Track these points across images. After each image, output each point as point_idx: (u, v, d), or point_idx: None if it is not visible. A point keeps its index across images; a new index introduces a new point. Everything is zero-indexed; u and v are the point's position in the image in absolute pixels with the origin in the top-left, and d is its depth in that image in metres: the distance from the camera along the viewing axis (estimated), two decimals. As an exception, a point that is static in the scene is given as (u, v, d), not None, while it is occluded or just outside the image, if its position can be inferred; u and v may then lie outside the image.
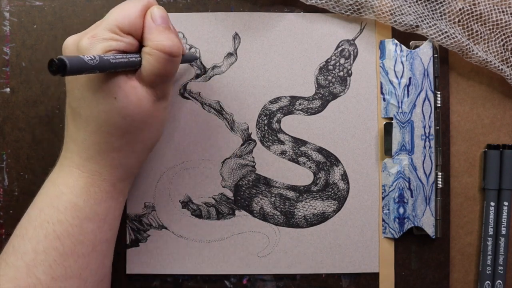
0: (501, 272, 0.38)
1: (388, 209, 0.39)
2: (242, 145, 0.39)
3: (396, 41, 0.39)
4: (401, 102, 0.38)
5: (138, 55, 0.30)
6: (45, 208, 0.31)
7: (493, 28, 0.38)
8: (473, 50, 0.37)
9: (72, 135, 0.32)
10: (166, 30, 0.31)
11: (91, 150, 0.31)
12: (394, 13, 0.38)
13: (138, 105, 0.30)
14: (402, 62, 0.39)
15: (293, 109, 0.39)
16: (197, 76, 0.39)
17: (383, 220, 0.39)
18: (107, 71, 0.28)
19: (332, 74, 0.39)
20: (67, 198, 0.31)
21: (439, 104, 0.38)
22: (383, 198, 0.39)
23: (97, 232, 0.31)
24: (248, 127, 0.39)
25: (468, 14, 0.37)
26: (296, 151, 0.39)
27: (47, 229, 0.30)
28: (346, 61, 0.39)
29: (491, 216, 0.38)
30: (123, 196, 0.34)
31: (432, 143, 0.38)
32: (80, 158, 0.31)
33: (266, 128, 0.39)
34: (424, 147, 0.38)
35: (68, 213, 0.30)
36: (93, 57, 0.27)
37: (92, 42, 0.29)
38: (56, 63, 0.25)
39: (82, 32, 0.32)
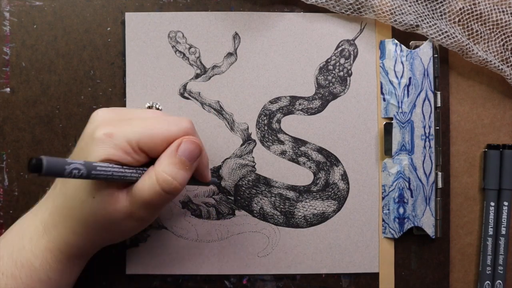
0: (501, 272, 0.38)
1: (388, 209, 0.39)
2: (242, 145, 0.39)
3: (396, 41, 0.39)
4: (401, 102, 0.38)
5: (137, 173, 0.29)
6: (5, 257, 0.30)
7: (493, 28, 0.38)
8: (473, 50, 0.37)
9: (53, 193, 0.32)
10: (179, 165, 0.29)
11: (58, 219, 0.31)
12: (394, 12, 0.37)
13: (113, 217, 0.29)
14: (402, 62, 0.39)
15: (293, 109, 0.39)
16: (197, 76, 0.39)
17: (383, 220, 0.39)
18: (96, 179, 0.27)
19: (332, 74, 0.39)
20: (26, 256, 0.30)
21: (439, 104, 0.38)
22: (383, 198, 0.39)
23: None
24: (248, 127, 0.39)
25: (468, 13, 0.37)
26: (296, 151, 0.39)
27: (0, 281, 0.30)
28: (346, 61, 0.39)
29: (491, 216, 0.38)
30: (79, 269, 0.34)
31: (432, 143, 0.38)
32: (49, 219, 0.31)
33: (266, 128, 0.39)
34: (424, 147, 0.38)
35: (23, 272, 0.30)
36: (78, 169, 0.25)
37: (104, 140, 0.28)
38: (33, 163, 0.23)
39: (113, 111, 0.31)
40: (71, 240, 0.31)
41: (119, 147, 0.28)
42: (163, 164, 0.29)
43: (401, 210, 0.38)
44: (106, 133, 0.28)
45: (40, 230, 0.31)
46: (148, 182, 0.29)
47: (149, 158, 0.30)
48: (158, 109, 0.34)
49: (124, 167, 0.28)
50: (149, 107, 0.34)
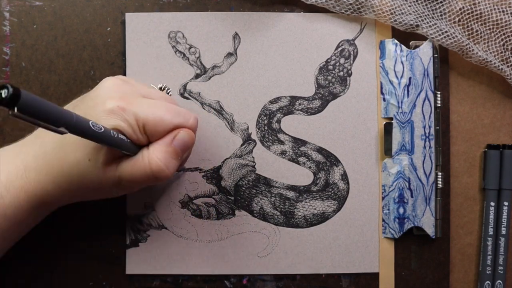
0: (501, 272, 0.38)
1: (388, 209, 0.39)
2: (242, 145, 0.39)
3: (396, 41, 0.39)
4: (401, 102, 0.38)
5: (135, 149, 0.30)
6: None
7: (493, 28, 0.38)
8: (473, 50, 0.37)
9: (43, 137, 0.31)
10: (173, 154, 0.30)
11: (43, 166, 0.31)
12: (394, 12, 0.37)
13: (100, 183, 0.30)
14: (402, 62, 0.39)
15: (293, 109, 0.39)
16: (197, 76, 0.39)
17: (383, 220, 0.39)
18: (99, 142, 0.27)
19: (332, 74, 0.39)
20: None
21: (439, 104, 0.38)
22: (383, 198, 0.39)
23: None
24: (248, 127, 0.39)
25: (468, 13, 0.37)
26: (296, 151, 0.39)
27: None
28: (346, 61, 0.39)
29: (491, 216, 0.38)
30: (43, 216, 0.34)
31: (432, 143, 0.38)
32: (32, 162, 0.31)
33: (266, 128, 0.39)
34: (424, 147, 0.38)
35: None
36: (99, 127, 0.26)
37: (117, 112, 0.29)
38: (9, 92, 0.19)
39: (125, 83, 0.31)
40: (50, 188, 0.31)
41: (128, 122, 0.29)
42: (158, 150, 0.30)
43: (401, 210, 0.38)
44: (120, 106, 0.29)
45: (20, 169, 0.31)
46: (141, 163, 0.30)
47: (149, 141, 0.31)
48: (168, 93, 0.36)
49: (128, 140, 0.29)
50: (161, 89, 0.36)
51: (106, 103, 0.29)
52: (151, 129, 0.30)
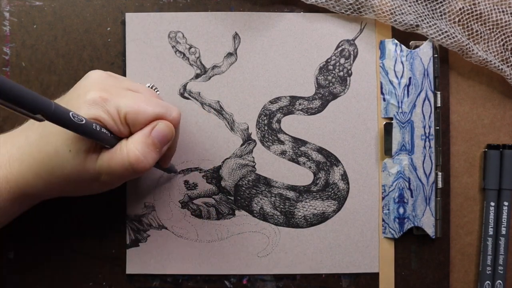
0: (501, 272, 0.38)
1: (388, 209, 0.39)
2: (242, 145, 0.39)
3: (396, 41, 0.39)
4: (401, 102, 0.38)
5: (115, 140, 0.30)
6: None
7: (493, 28, 0.38)
8: (473, 50, 0.37)
9: (28, 130, 0.31)
10: (151, 146, 0.30)
11: (26, 157, 0.31)
12: (394, 12, 0.37)
13: (80, 172, 0.30)
14: (402, 62, 0.39)
15: (293, 109, 0.39)
16: (197, 76, 0.39)
17: (383, 220, 0.39)
18: (79, 133, 0.27)
19: (332, 74, 0.39)
20: None
21: (439, 104, 0.38)
22: (383, 198, 0.39)
23: None
24: (248, 127, 0.39)
25: (468, 13, 0.37)
26: (296, 151, 0.39)
27: None
28: (346, 61, 0.39)
29: (491, 216, 0.38)
30: (25, 208, 0.34)
31: (432, 143, 0.38)
32: (17, 154, 0.31)
33: (266, 128, 0.39)
34: (424, 147, 0.38)
35: None
36: (78, 117, 0.26)
37: (98, 102, 0.29)
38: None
39: (110, 76, 0.32)
40: (32, 180, 0.31)
41: (109, 113, 0.29)
42: (136, 142, 0.30)
43: (401, 210, 0.38)
44: (102, 97, 0.29)
45: (5, 160, 0.31)
46: (120, 155, 0.30)
47: (131, 133, 0.31)
48: (155, 91, 0.35)
49: (109, 133, 0.29)
50: (148, 87, 0.36)
51: (89, 93, 0.29)
52: (132, 119, 0.30)
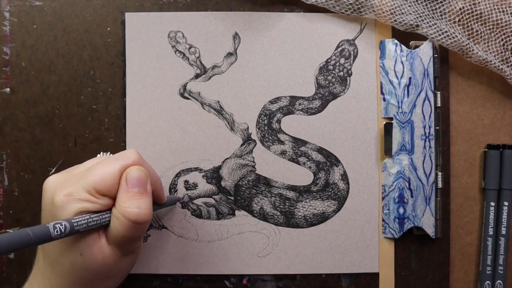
0: (501, 272, 0.38)
1: (388, 209, 0.39)
2: (242, 145, 0.39)
3: (396, 41, 0.39)
4: (401, 102, 0.38)
5: (109, 214, 0.30)
6: None
7: (493, 28, 0.38)
8: (473, 50, 0.37)
9: (41, 268, 0.32)
10: (136, 195, 0.30)
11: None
12: (394, 12, 0.37)
13: (103, 262, 0.30)
14: (402, 62, 0.39)
15: (293, 109, 0.39)
16: (197, 76, 0.39)
17: (383, 220, 0.39)
18: (71, 234, 0.27)
19: (332, 74, 0.39)
20: None
21: (439, 104, 0.38)
22: (383, 198, 0.39)
23: None
24: (248, 127, 0.39)
25: (468, 13, 0.37)
26: (296, 151, 0.39)
27: None
28: (346, 61, 0.39)
29: (491, 216, 0.38)
30: None
31: (432, 143, 0.38)
32: None
33: (266, 128, 0.39)
34: (424, 147, 0.38)
35: None
36: (61, 230, 0.26)
37: (68, 201, 0.29)
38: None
39: (62, 174, 0.32)
40: None
41: (83, 200, 0.29)
42: (122, 202, 0.30)
43: (401, 210, 0.38)
44: (66, 194, 0.29)
45: None
46: (118, 222, 0.30)
47: (113, 199, 0.31)
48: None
49: (96, 214, 0.29)
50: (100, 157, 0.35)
51: (55, 199, 0.29)
52: (103, 188, 0.30)
